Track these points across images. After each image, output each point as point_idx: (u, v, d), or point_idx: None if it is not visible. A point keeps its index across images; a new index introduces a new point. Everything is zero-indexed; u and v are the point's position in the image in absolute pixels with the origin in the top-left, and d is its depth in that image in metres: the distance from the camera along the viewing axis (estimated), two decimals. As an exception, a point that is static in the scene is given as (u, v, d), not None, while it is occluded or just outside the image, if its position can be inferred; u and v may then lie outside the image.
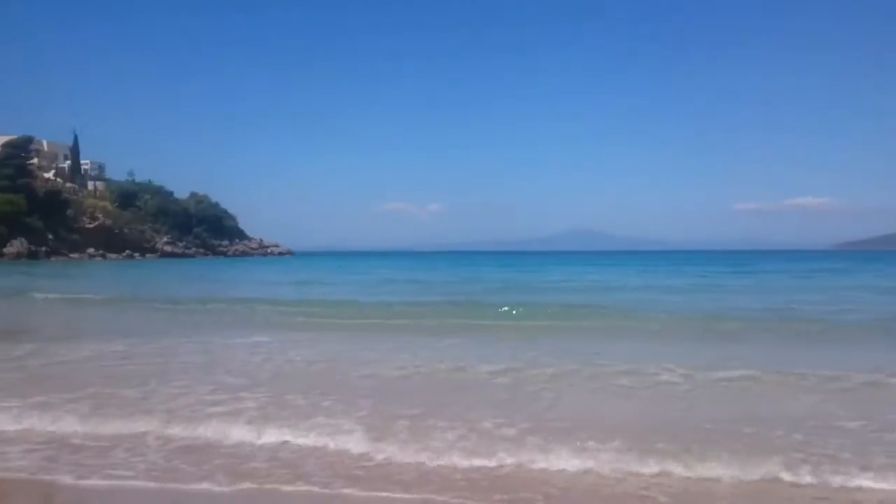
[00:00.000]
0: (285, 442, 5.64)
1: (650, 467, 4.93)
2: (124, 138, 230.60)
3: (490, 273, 44.02)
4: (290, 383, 7.75)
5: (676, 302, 20.13)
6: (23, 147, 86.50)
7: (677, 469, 4.89)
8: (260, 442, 5.66)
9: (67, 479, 4.85)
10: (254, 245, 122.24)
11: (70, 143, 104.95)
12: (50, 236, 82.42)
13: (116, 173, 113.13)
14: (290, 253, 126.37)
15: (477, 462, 5.09)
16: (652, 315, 15.44)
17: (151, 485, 4.78)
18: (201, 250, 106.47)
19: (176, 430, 5.91)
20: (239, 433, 5.83)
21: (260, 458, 5.31)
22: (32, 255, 75.77)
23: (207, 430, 5.91)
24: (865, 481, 4.68)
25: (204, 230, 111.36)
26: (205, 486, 4.75)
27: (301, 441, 5.64)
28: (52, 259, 76.94)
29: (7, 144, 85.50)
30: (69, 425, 6.06)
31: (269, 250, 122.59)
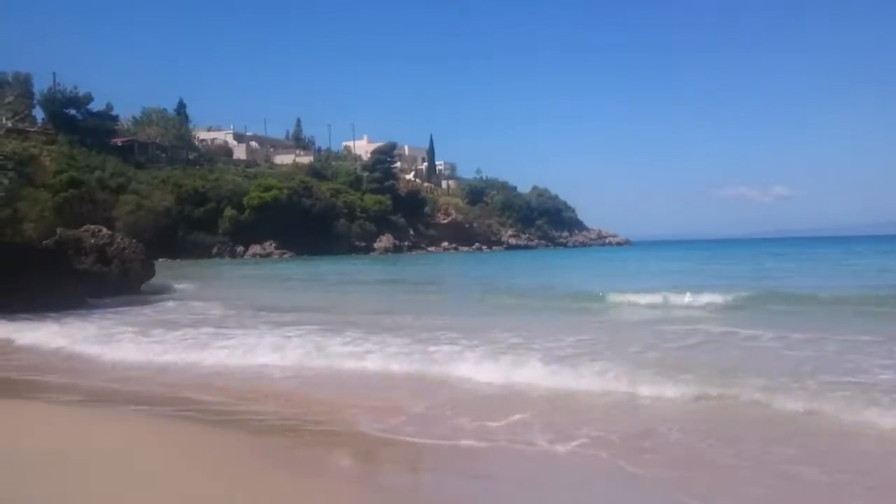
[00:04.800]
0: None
1: None
2: (473, 140, 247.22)
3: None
4: None
5: None
6: (388, 153, 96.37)
7: None
8: None
9: None
10: (592, 236, 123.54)
11: (426, 146, 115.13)
12: (411, 232, 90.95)
13: (466, 172, 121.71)
14: (628, 243, 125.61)
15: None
16: None
17: None
18: (542, 242, 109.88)
19: None
20: None
21: None
22: (397, 250, 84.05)
23: None
24: None
25: (545, 222, 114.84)
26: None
27: None
28: (413, 252, 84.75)
29: (376, 151, 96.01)
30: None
31: (606, 240, 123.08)
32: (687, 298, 15.64)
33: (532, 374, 7.44)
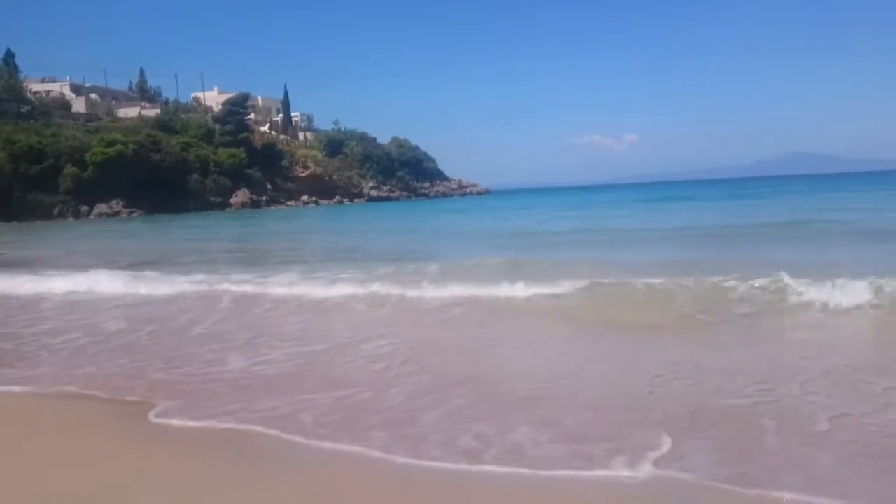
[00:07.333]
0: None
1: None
2: (329, 90, 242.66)
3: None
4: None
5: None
6: (241, 104, 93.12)
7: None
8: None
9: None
10: (453, 186, 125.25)
11: (281, 97, 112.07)
12: (268, 186, 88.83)
13: (324, 123, 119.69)
14: (488, 192, 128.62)
15: None
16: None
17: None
18: (404, 193, 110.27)
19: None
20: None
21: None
22: (255, 205, 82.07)
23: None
24: None
25: (406, 173, 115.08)
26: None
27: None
28: (272, 207, 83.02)
29: (227, 102, 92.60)
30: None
31: (467, 190, 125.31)
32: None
33: None
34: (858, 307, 7.19)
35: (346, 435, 4.58)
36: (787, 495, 3.52)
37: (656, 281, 8.54)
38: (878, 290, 7.30)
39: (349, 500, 3.83)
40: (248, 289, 10.73)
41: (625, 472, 3.86)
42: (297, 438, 4.62)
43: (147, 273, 12.86)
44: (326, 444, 4.49)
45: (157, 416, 5.19)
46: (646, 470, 3.87)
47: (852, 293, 7.32)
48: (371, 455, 4.28)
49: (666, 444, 4.18)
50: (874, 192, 45.89)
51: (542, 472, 3.93)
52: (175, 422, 5.04)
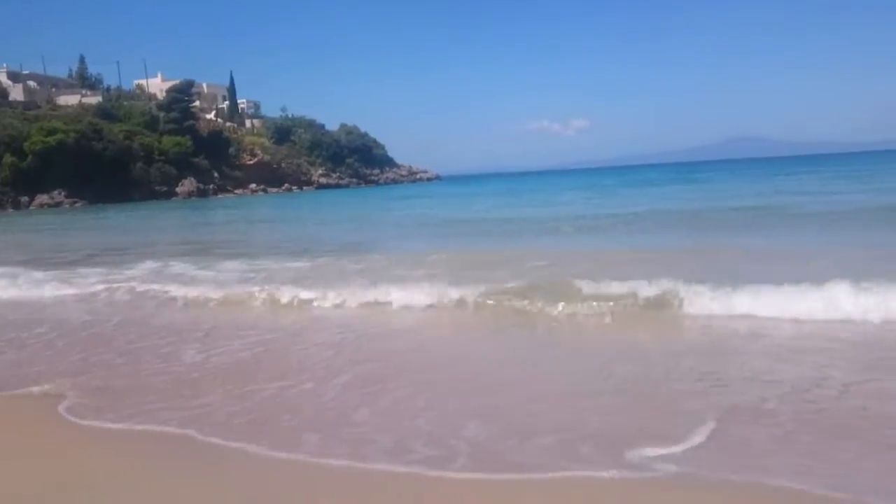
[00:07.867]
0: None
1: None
2: (275, 77, 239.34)
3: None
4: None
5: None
6: (185, 91, 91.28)
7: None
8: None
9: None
10: (403, 172, 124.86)
11: (227, 84, 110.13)
12: (215, 174, 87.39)
13: (271, 110, 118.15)
14: (438, 178, 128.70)
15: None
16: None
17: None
18: (354, 180, 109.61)
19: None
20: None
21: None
22: (202, 193, 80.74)
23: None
24: None
25: (356, 160, 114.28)
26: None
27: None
28: (220, 196, 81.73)
29: (172, 89, 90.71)
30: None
31: (417, 176, 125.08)
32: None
33: None
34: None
35: (265, 435, 4.31)
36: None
37: (600, 274, 8.34)
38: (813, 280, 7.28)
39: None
40: (191, 286, 10.48)
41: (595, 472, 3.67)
42: (214, 440, 4.31)
43: (86, 270, 12.57)
44: (235, 445, 4.21)
45: (69, 412, 4.97)
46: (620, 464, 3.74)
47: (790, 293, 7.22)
48: (296, 458, 3.99)
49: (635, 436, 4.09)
50: (807, 174, 48.38)
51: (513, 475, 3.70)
52: (94, 423, 4.77)
